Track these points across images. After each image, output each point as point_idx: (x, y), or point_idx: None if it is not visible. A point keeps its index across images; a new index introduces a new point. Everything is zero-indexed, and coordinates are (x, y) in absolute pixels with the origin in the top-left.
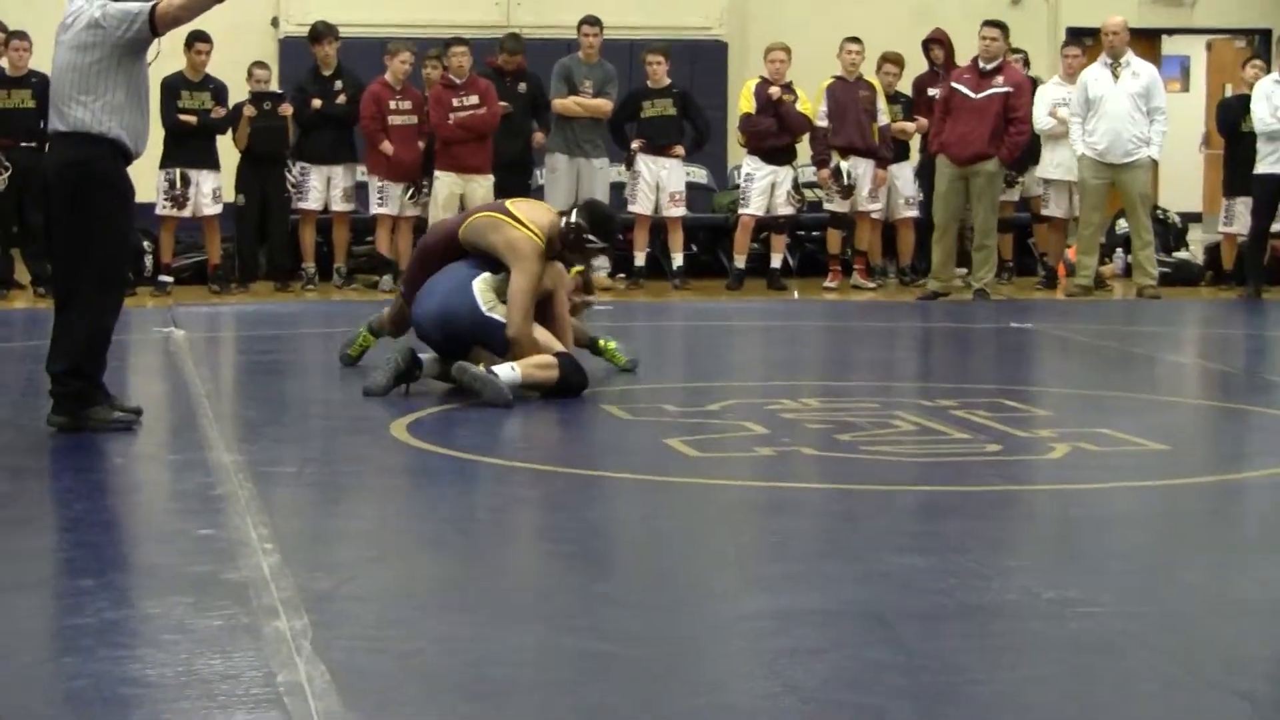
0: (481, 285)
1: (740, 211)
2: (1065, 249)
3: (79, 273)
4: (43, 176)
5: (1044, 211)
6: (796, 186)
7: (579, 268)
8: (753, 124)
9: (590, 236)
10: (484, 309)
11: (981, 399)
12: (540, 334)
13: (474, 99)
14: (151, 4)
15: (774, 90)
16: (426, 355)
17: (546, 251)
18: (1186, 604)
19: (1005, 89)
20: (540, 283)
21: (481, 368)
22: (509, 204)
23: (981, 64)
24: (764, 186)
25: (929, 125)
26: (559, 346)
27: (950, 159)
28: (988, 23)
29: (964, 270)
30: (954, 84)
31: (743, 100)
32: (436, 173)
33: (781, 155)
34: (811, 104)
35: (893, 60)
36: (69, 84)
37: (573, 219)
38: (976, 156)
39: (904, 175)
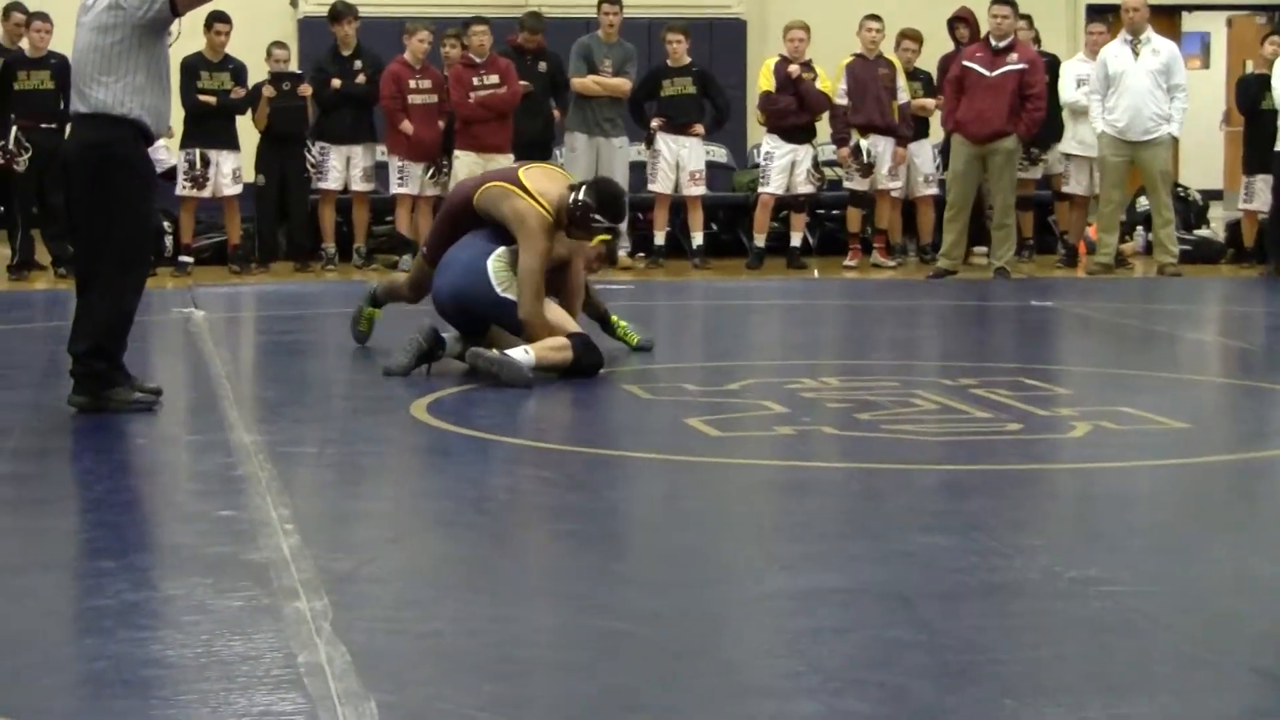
0: (496, 264)
1: (760, 190)
2: (1086, 227)
3: (100, 254)
4: (63, 157)
5: (1065, 189)
6: (816, 165)
7: (603, 237)
8: (772, 102)
9: (597, 215)
10: (499, 290)
11: (1002, 377)
12: (554, 314)
13: (494, 78)
14: None
15: (793, 69)
16: (449, 334)
17: (554, 225)
18: (1208, 583)
19: (1020, 66)
20: (547, 259)
21: (495, 351)
22: (521, 173)
23: (994, 42)
24: (784, 165)
25: (943, 104)
26: (573, 327)
27: (967, 137)
28: (997, 1)
29: (983, 249)
30: (967, 62)
31: (762, 78)
32: (456, 152)
33: (801, 134)
34: (831, 82)
35: (911, 37)
36: (90, 65)
37: (580, 197)
38: (995, 134)
39: (924, 153)
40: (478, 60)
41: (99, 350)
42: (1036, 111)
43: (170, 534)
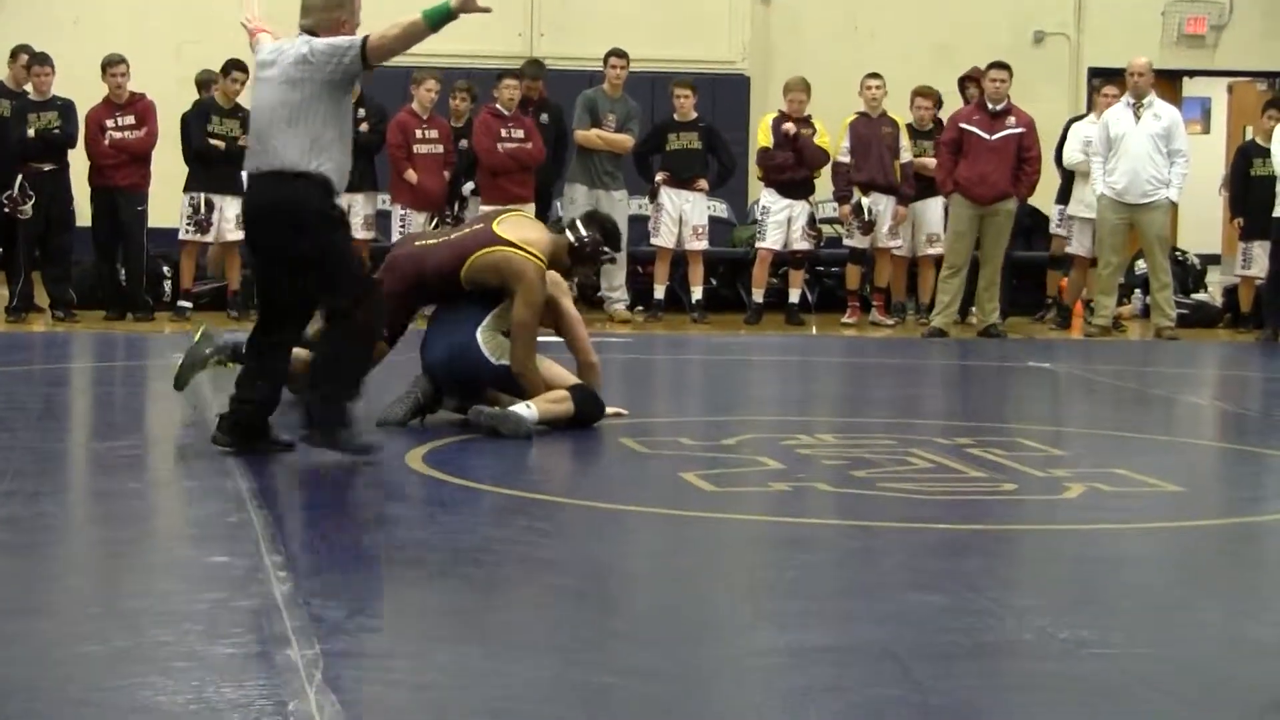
0: (485, 336)
1: (757, 245)
2: (1084, 288)
3: (330, 306)
4: (248, 215)
5: (1067, 250)
6: (813, 222)
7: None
8: (770, 158)
9: (605, 249)
10: (493, 360)
11: (998, 437)
12: (550, 369)
13: (520, 133)
14: (363, 37)
15: (788, 126)
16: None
17: (550, 268)
18: (1201, 646)
19: (1019, 129)
20: (542, 310)
21: (496, 408)
22: (496, 226)
23: (990, 105)
24: (780, 220)
25: (938, 165)
26: (571, 380)
27: (971, 199)
28: (995, 65)
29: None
30: (965, 125)
31: (760, 134)
32: (483, 207)
33: (798, 189)
34: (832, 138)
35: (925, 94)
36: (279, 120)
37: (584, 234)
38: (999, 196)
39: (930, 212)
40: (506, 113)
41: (343, 393)
42: (1034, 174)
43: (162, 580)
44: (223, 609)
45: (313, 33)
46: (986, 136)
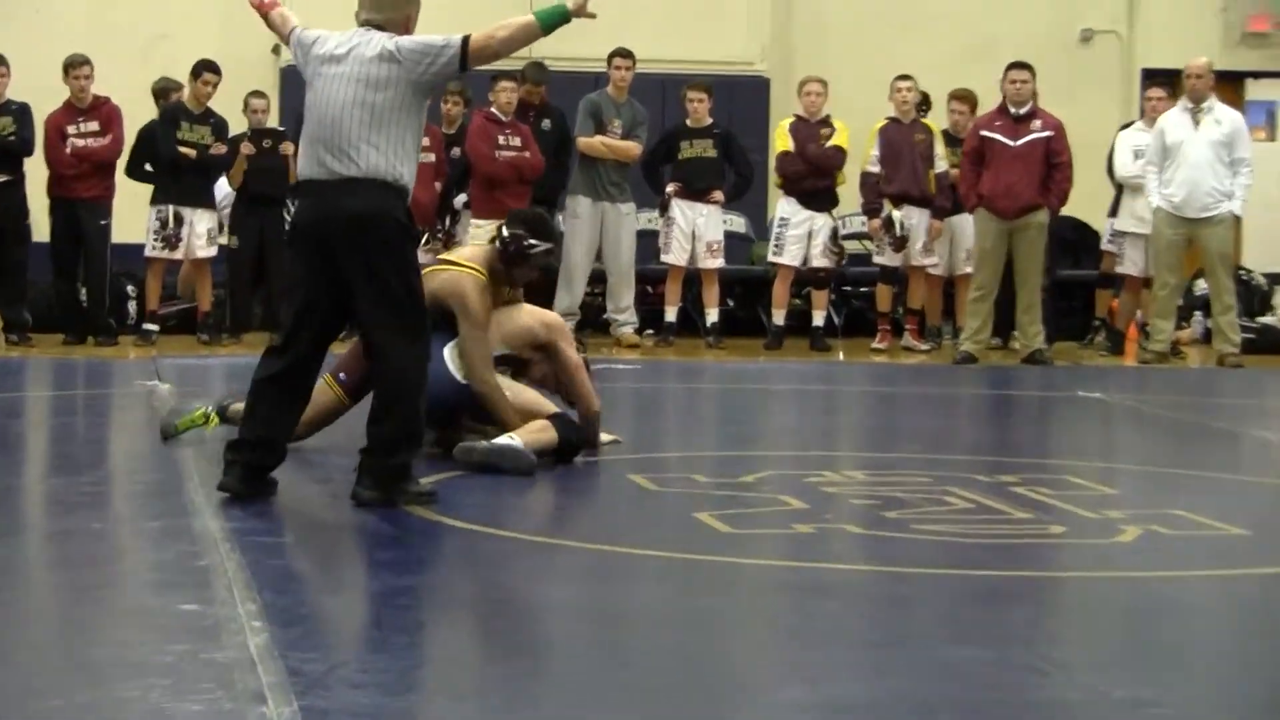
0: (451, 352)
1: (773, 259)
2: (1138, 310)
3: (388, 328)
4: (320, 225)
5: (1118, 268)
6: (835, 237)
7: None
8: (791, 163)
9: (531, 240)
10: (460, 378)
11: (1045, 474)
12: (528, 396)
13: (518, 141)
14: (461, 37)
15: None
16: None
17: (490, 280)
18: (1266, 705)
19: (1046, 133)
20: (488, 322)
21: (486, 442)
22: (444, 255)
23: (1013, 109)
24: (800, 234)
25: (961, 178)
26: (550, 407)
27: (996, 213)
28: (1015, 65)
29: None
30: (986, 132)
31: (778, 138)
32: (476, 221)
33: (819, 200)
34: (846, 140)
35: (961, 98)
36: (357, 123)
37: (505, 233)
38: (1026, 208)
39: (967, 227)
40: (502, 118)
41: (405, 442)
42: (1065, 182)
43: (126, 629)
44: (192, 661)
45: (379, 28)
46: (1010, 143)
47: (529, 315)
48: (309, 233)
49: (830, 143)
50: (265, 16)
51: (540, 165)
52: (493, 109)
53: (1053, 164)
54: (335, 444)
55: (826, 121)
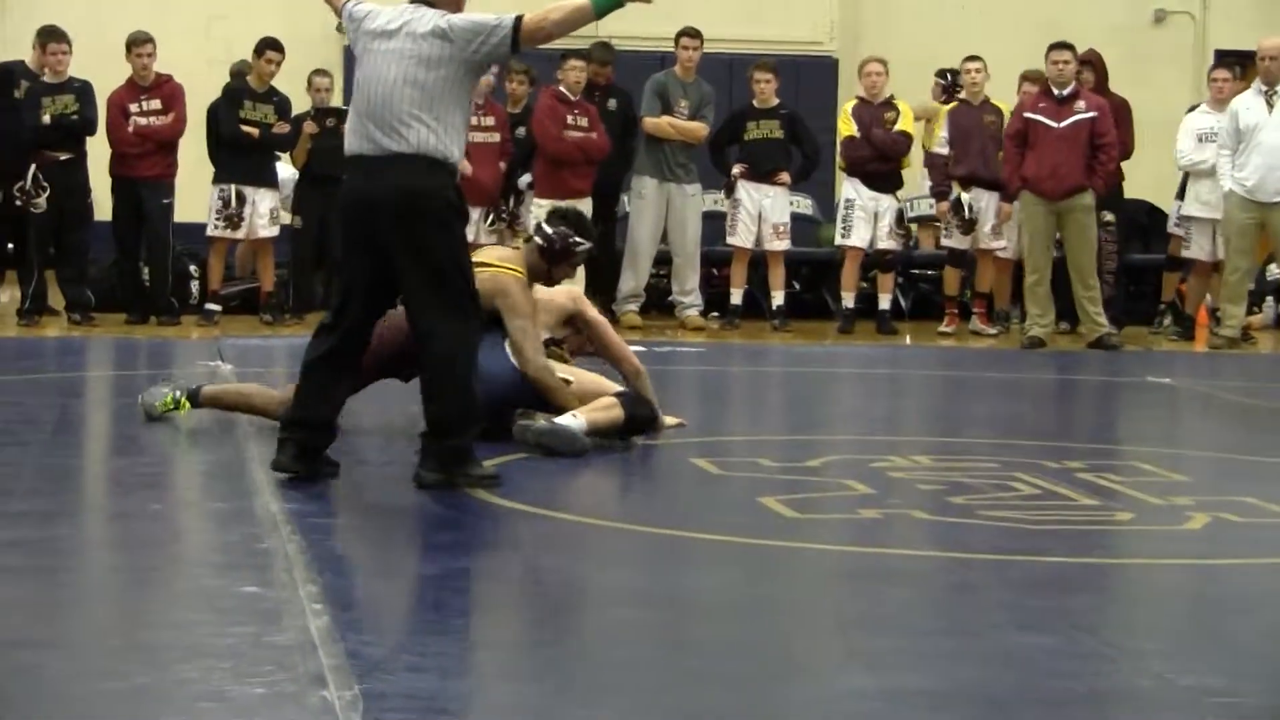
0: (511, 349)
1: (841, 242)
2: (1207, 295)
3: (437, 307)
4: (370, 202)
5: (1184, 253)
6: (901, 220)
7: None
8: (856, 148)
9: (576, 239)
10: (515, 366)
11: (1112, 460)
12: (590, 378)
13: (585, 121)
14: (514, 17)
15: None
16: None
17: (530, 279)
18: None
19: (1090, 114)
20: (533, 312)
21: (544, 420)
22: (476, 257)
23: (1056, 90)
24: (866, 215)
25: (1005, 161)
26: (613, 386)
27: (1041, 195)
28: (1057, 45)
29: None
30: (1030, 114)
31: (841, 123)
32: (538, 201)
33: (885, 182)
34: (911, 123)
35: (1033, 79)
36: (407, 100)
37: (551, 230)
38: (1071, 190)
39: None
40: (571, 98)
41: (460, 422)
42: (1110, 163)
43: (187, 611)
44: (252, 644)
45: (430, 5)
46: (1054, 125)
47: (550, 294)
48: (358, 208)
49: (896, 127)
50: None
51: (606, 146)
52: (561, 88)
53: (1097, 145)
54: (395, 426)
55: (890, 103)
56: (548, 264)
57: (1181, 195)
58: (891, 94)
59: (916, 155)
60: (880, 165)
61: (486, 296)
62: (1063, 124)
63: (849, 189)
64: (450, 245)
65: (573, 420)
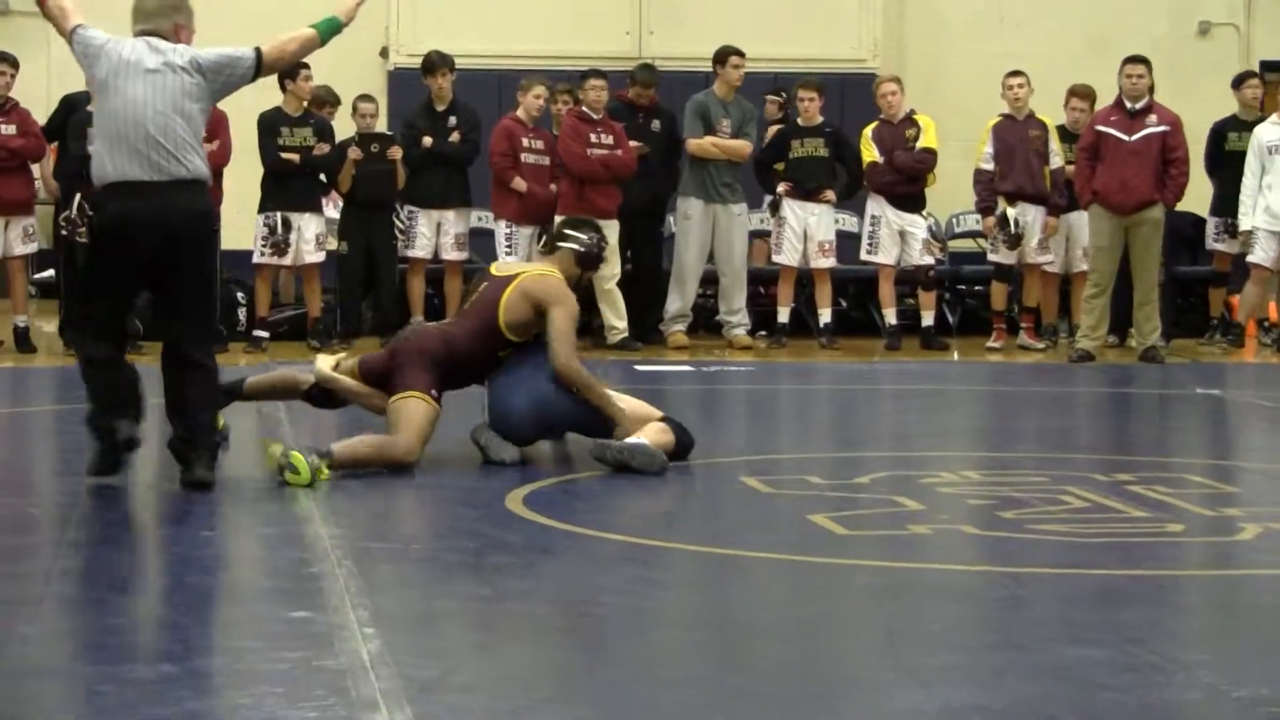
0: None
1: (869, 259)
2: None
3: (204, 326)
4: (164, 226)
5: (1249, 258)
6: (934, 234)
7: None
8: (880, 174)
9: (602, 244)
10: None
11: (1162, 473)
12: (635, 404)
13: (610, 139)
14: (255, 49)
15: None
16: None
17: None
18: None
19: (1161, 128)
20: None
21: (624, 441)
22: (501, 272)
23: (1129, 104)
24: (893, 233)
25: (1076, 174)
26: (656, 411)
27: (1111, 209)
28: (1132, 59)
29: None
30: (1101, 127)
31: (863, 148)
32: (560, 219)
33: (911, 203)
34: (934, 137)
35: (1080, 94)
36: (181, 129)
37: (583, 236)
38: (1142, 204)
39: (1084, 224)
40: (594, 116)
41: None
42: (1181, 177)
43: (238, 637)
44: (304, 669)
45: (157, 35)
46: (1125, 138)
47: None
48: (140, 229)
49: (919, 144)
50: (41, 6)
51: (633, 164)
52: (583, 108)
53: (1168, 159)
54: (444, 453)
55: (910, 119)
56: (581, 269)
57: (1217, 211)
58: (911, 109)
59: (962, 171)
60: (907, 187)
61: (533, 297)
62: (1134, 137)
63: (874, 206)
64: (215, 263)
65: (641, 440)
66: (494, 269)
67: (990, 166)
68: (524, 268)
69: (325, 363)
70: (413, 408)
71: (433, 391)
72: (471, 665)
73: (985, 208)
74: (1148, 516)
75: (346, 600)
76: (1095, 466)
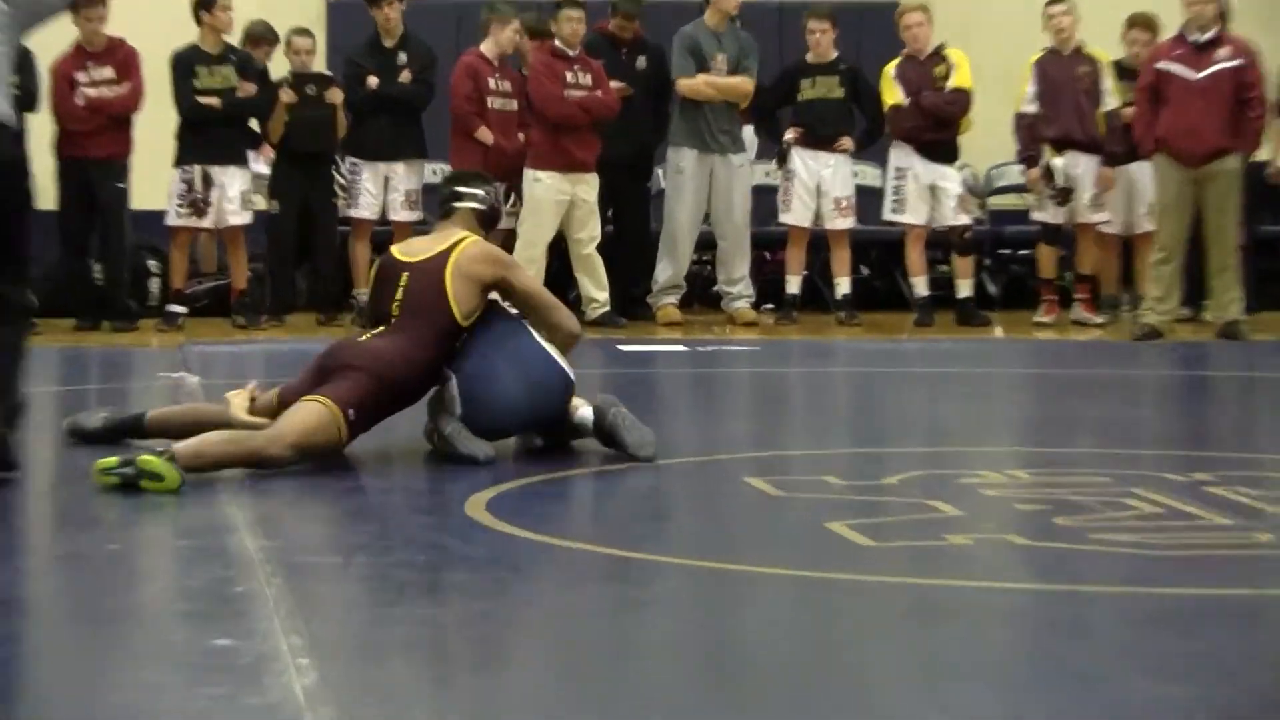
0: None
1: (893, 218)
2: None
3: (20, 283)
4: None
5: None
6: (971, 190)
7: None
8: (904, 118)
9: (499, 197)
10: (569, 371)
11: (1247, 471)
12: None
13: (588, 77)
14: None
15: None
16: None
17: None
18: None
19: (1235, 62)
20: None
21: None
22: (401, 254)
23: (1193, 35)
24: (921, 188)
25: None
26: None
27: (1177, 159)
28: None
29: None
30: (1163, 64)
31: (884, 89)
32: (536, 174)
33: (940, 152)
34: (968, 76)
35: (1143, 25)
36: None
37: (479, 193)
38: (1213, 153)
39: (1147, 177)
40: (570, 53)
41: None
42: (1258, 120)
43: (151, 669)
44: (228, 708)
45: None
46: (1192, 76)
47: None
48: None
49: (950, 84)
50: None
51: (616, 106)
52: (556, 42)
53: (1243, 99)
54: (392, 449)
55: (939, 55)
56: (485, 230)
57: None
58: (942, 43)
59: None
60: (936, 133)
61: (479, 276)
62: (1202, 75)
63: (899, 156)
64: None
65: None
66: (398, 253)
67: (1033, 109)
68: (434, 244)
69: (238, 403)
70: (305, 408)
71: (350, 412)
72: (426, 703)
73: (1028, 157)
74: (1231, 524)
75: (277, 625)
76: (1167, 464)
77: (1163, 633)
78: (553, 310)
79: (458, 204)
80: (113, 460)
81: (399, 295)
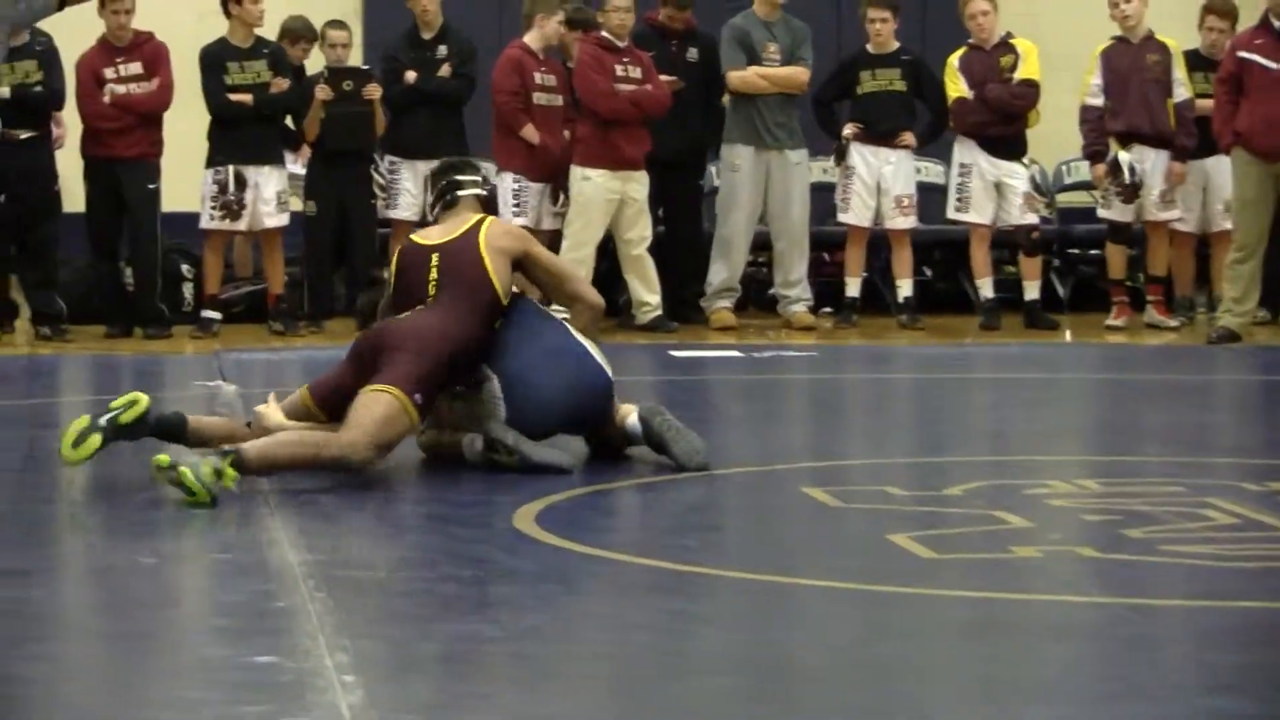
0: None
1: (957, 217)
2: None
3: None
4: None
5: None
6: (1038, 187)
7: None
8: (970, 112)
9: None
10: (603, 363)
11: None
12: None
13: (638, 71)
14: None
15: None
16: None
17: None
18: None
19: None
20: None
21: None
22: (422, 239)
23: (1276, 22)
24: (987, 185)
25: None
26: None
27: (1256, 154)
28: None
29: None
30: (1244, 53)
31: (949, 82)
32: (583, 171)
33: (1007, 148)
34: (1036, 66)
35: (1220, 12)
36: None
37: (480, 178)
38: None
39: (1223, 172)
40: (619, 44)
41: None
42: None
43: (189, 686)
44: None
45: None
46: (1274, 66)
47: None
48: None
49: (1017, 75)
50: None
51: (667, 101)
52: (604, 33)
53: None
54: (435, 461)
55: (1005, 44)
56: (488, 214)
57: None
58: (1008, 32)
59: (1071, 108)
60: (1002, 128)
61: (508, 250)
62: None
63: (963, 152)
64: None
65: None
66: (420, 239)
67: (1099, 101)
68: (455, 228)
69: (272, 411)
70: (371, 400)
71: (416, 396)
72: (473, 719)
73: (1094, 152)
74: None
75: (321, 642)
76: (1244, 473)
77: (1235, 647)
78: (574, 281)
79: (461, 192)
80: (164, 457)
81: (433, 275)
